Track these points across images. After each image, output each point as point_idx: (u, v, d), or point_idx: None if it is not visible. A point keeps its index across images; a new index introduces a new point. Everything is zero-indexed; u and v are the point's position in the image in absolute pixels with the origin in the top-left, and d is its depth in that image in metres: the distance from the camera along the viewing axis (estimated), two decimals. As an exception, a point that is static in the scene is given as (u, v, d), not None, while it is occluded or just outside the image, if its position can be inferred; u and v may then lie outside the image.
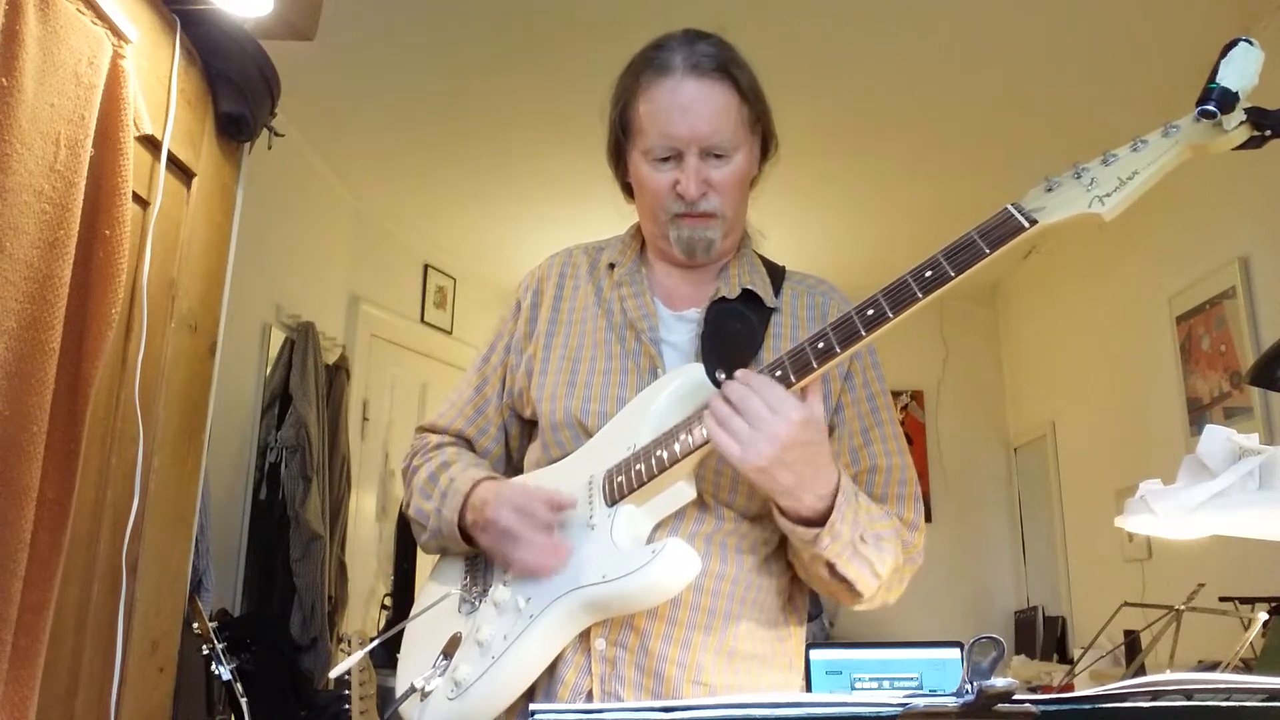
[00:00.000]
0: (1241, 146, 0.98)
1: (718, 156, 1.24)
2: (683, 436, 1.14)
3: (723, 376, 1.18)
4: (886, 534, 1.19)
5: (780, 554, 1.27)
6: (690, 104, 1.22)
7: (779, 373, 1.09)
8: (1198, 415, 3.18)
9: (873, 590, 1.19)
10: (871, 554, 1.16)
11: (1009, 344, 5.12)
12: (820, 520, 1.11)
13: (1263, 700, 0.57)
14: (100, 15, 1.40)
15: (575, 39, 3.04)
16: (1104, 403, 3.96)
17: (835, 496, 1.11)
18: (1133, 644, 2.90)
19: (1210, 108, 0.95)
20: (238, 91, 1.82)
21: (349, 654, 2.35)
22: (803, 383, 1.09)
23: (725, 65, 1.25)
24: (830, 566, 1.14)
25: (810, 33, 2.98)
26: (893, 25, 2.95)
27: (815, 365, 1.08)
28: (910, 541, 1.26)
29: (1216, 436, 1.23)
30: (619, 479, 1.17)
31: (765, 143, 1.34)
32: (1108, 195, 0.99)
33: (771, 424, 1.04)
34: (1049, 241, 4.19)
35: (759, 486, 1.10)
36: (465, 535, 1.27)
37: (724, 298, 1.30)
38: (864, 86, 3.30)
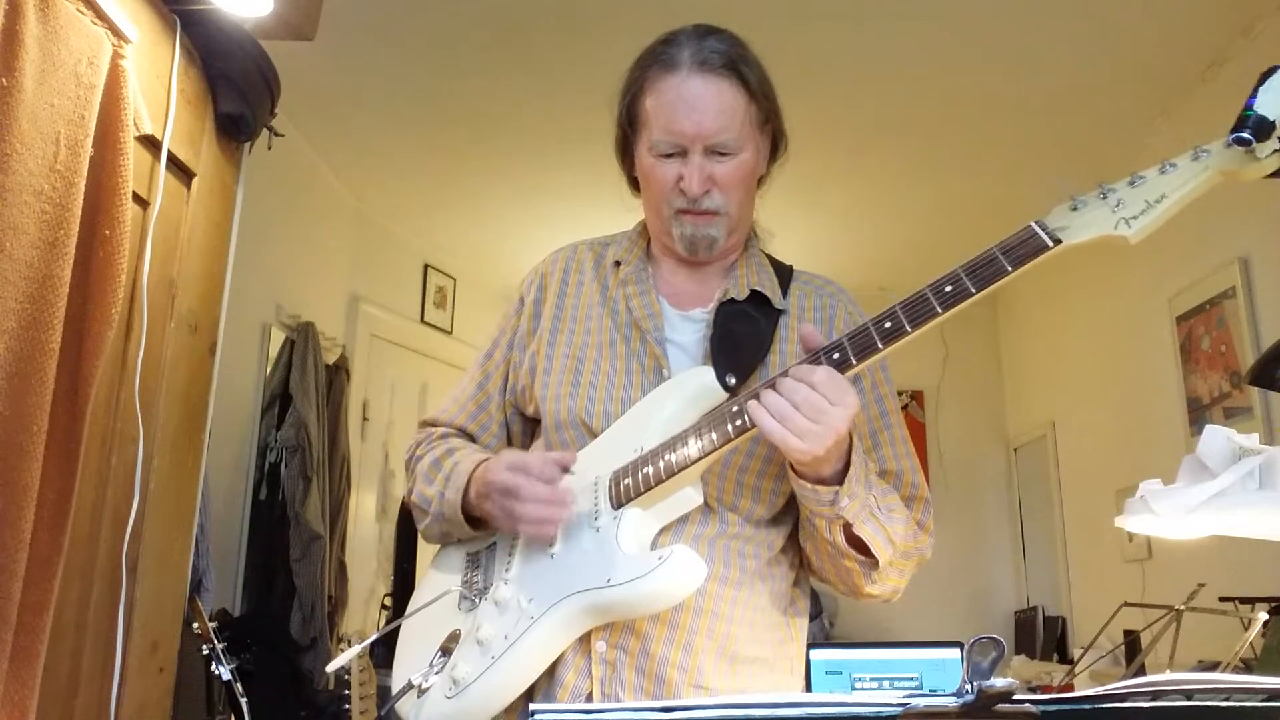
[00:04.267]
0: (1273, 175, 0.95)
1: (722, 154, 1.23)
2: (693, 441, 1.13)
3: (732, 381, 1.18)
4: (895, 505, 1.20)
5: (783, 557, 1.26)
6: (696, 101, 1.21)
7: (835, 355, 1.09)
8: (1198, 415, 3.18)
9: (888, 557, 1.17)
10: (884, 519, 1.16)
11: (1009, 344, 5.11)
12: (836, 480, 1.11)
13: (1263, 700, 0.57)
14: (100, 15, 1.40)
15: (575, 40, 3.04)
16: (1104, 403, 3.96)
17: (849, 456, 1.11)
18: (1133, 644, 2.90)
19: (1245, 135, 0.92)
20: (238, 91, 1.82)
21: (349, 654, 2.35)
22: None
23: (734, 62, 1.23)
24: (847, 529, 1.13)
25: (810, 34, 2.97)
26: (893, 26, 2.95)
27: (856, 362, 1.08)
28: (920, 538, 1.25)
29: (1216, 436, 1.22)
30: (626, 482, 1.16)
31: (775, 141, 1.32)
32: (1134, 218, 0.97)
33: (833, 415, 1.04)
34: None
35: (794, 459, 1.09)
36: (470, 518, 1.25)
37: (732, 299, 1.29)
38: (863, 87, 3.30)
